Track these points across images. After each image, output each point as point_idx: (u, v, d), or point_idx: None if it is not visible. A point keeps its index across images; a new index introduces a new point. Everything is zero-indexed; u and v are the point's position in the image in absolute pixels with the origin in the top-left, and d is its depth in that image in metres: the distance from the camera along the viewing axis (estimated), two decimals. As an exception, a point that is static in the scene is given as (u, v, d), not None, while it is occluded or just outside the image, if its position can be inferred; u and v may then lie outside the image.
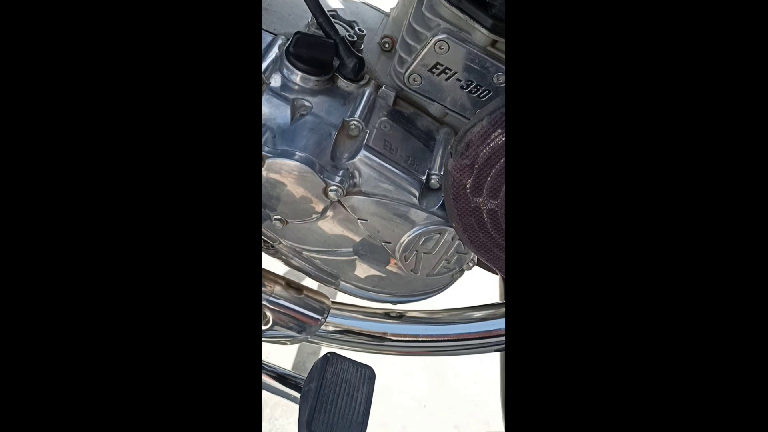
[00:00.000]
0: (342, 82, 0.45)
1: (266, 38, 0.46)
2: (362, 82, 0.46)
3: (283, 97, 0.42)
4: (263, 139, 0.42)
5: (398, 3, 0.51)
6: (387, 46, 0.49)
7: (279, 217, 0.46)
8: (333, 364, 0.43)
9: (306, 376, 0.44)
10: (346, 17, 0.49)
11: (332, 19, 0.46)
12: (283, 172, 0.41)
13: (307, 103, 0.43)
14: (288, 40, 0.44)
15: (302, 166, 0.40)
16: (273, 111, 0.42)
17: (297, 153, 0.41)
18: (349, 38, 0.46)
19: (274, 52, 0.44)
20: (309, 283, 0.54)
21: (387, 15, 0.53)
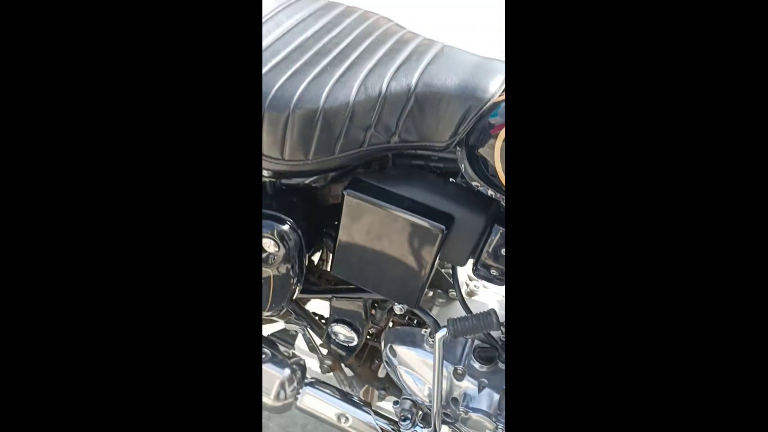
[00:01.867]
0: (501, 365, 0.82)
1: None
2: None
3: (472, 377, 0.81)
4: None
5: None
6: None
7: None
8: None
9: None
10: (501, 318, 0.87)
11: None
12: (473, 422, 0.80)
13: (485, 380, 0.82)
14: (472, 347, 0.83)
15: (484, 417, 0.79)
16: (469, 387, 0.83)
17: (484, 410, 0.81)
18: (502, 337, 0.83)
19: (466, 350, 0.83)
20: None
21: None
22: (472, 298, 0.91)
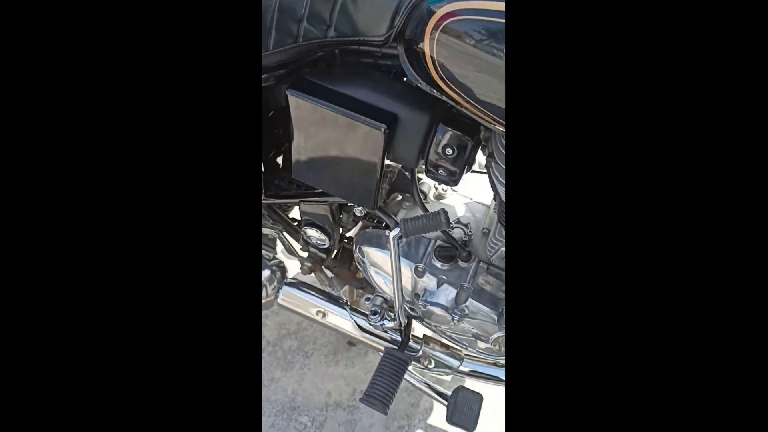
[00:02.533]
0: (461, 263, 0.84)
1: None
2: (471, 261, 0.84)
3: (432, 275, 0.84)
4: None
5: (491, 203, 0.86)
6: (486, 231, 0.86)
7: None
8: (463, 392, 0.88)
9: (450, 392, 0.90)
10: (464, 220, 0.87)
11: (458, 224, 0.85)
12: (434, 316, 0.85)
13: (444, 277, 0.84)
14: (434, 247, 0.85)
15: (442, 311, 0.83)
16: (429, 283, 0.86)
17: (441, 304, 0.84)
18: (464, 237, 0.85)
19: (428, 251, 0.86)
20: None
21: (488, 207, 0.89)
22: (441, 201, 0.92)
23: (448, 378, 1.18)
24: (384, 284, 0.90)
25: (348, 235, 1.03)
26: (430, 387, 0.97)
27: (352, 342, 1.34)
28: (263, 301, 0.99)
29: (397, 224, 0.80)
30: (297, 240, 1.01)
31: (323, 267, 1.05)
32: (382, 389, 0.83)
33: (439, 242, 0.84)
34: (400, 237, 0.75)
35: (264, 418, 1.23)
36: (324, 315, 0.99)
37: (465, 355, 0.96)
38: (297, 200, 0.88)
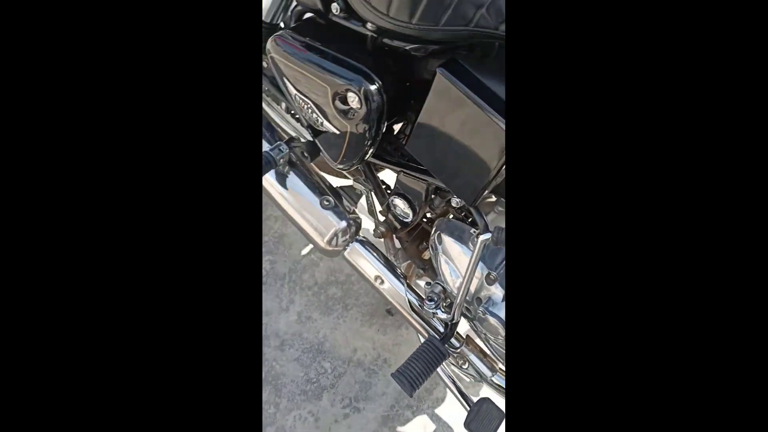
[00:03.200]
0: None
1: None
2: None
3: (501, 286, 0.84)
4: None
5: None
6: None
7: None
8: (489, 404, 0.89)
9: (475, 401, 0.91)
10: None
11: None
12: (487, 324, 0.85)
13: None
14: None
15: (498, 324, 0.83)
16: (496, 292, 0.85)
17: (501, 317, 0.84)
18: None
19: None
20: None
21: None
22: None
23: (474, 384, 1.19)
24: (449, 276, 0.91)
25: (429, 216, 1.04)
26: (455, 385, 0.99)
27: (391, 311, 1.37)
28: (330, 249, 1.03)
29: (487, 229, 0.79)
30: (381, 204, 1.02)
31: (395, 236, 1.07)
32: (415, 373, 0.85)
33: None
34: (488, 242, 0.75)
35: (292, 351, 1.30)
36: (382, 282, 1.01)
37: (499, 369, 0.97)
38: (399, 169, 0.89)
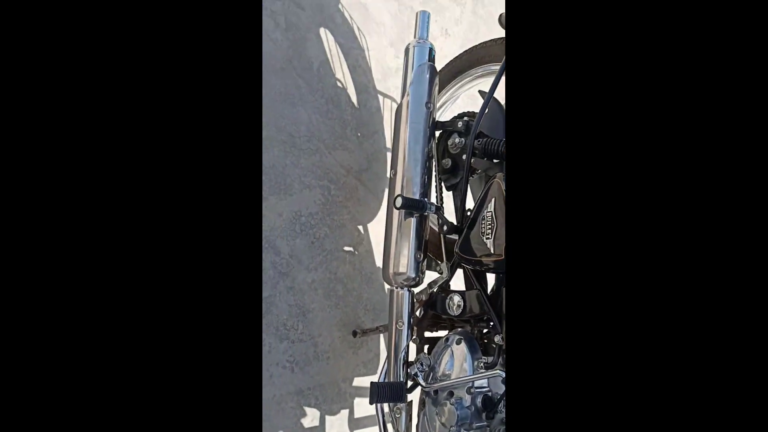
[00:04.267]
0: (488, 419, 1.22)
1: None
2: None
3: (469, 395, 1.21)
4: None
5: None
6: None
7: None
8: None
9: None
10: None
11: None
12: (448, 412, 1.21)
13: (476, 407, 1.21)
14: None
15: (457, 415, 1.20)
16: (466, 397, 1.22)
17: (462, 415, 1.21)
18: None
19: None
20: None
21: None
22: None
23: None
24: (443, 365, 1.27)
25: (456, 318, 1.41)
26: (383, 417, 1.32)
27: (356, 332, 1.69)
28: (390, 278, 1.37)
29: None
30: (444, 289, 1.38)
31: (425, 311, 1.43)
32: (383, 393, 1.19)
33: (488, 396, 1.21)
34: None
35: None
36: (402, 325, 1.36)
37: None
38: (478, 288, 1.26)
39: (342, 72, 1.78)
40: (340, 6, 1.80)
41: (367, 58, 1.87)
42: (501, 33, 2.42)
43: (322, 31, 1.73)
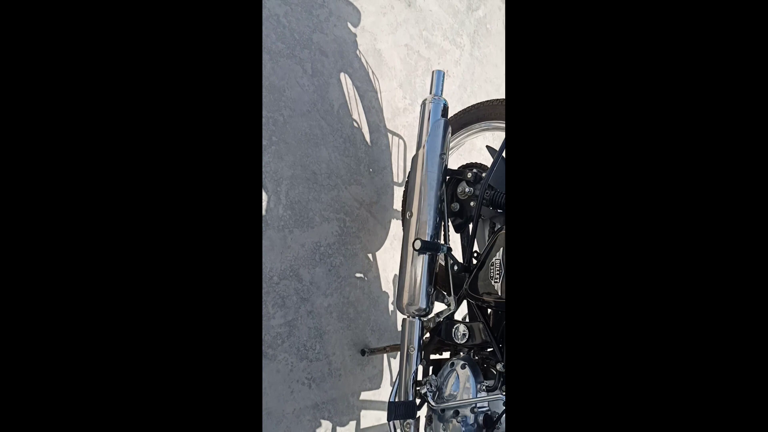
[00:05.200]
0: None
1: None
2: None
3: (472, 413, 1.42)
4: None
5: None
6: None
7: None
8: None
9: None
10: None
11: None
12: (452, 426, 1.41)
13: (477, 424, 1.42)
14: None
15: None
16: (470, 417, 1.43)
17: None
18: None
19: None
20: None
21: None
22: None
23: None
24: (449, 387, 1.47)
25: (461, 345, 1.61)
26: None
27: (365, 351, 1.87)
28: (403, 308, 1.56)
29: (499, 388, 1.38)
30: (449, 317, 1.58)
31: (431, 336, 1.62)
32: (399, 411, 1.38)
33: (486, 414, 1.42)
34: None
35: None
36: (413, 350, 1.54)
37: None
38: (483, 323, 1.47)
39: (358, 113, 1.96)
40: (357, 52, 1.97)
41: (380, 99, 2.06)
42: (496, 75, 2.64)
43: (342, 76, 1.91)
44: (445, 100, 1.67)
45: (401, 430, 1.51)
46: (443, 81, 1.70)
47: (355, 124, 1.94)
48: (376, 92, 2.05)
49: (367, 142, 1.98)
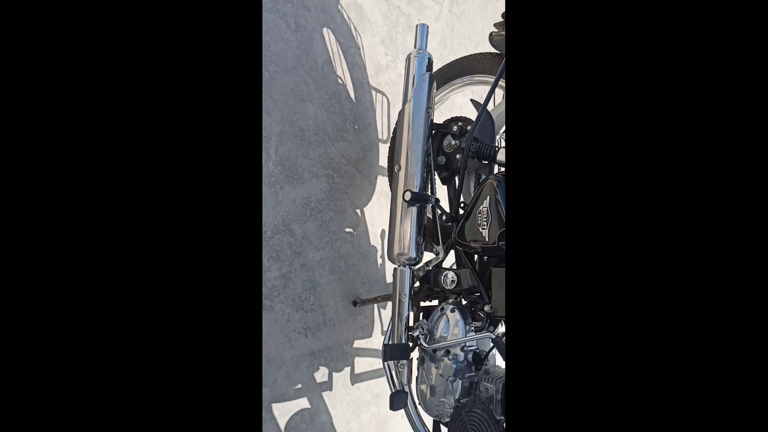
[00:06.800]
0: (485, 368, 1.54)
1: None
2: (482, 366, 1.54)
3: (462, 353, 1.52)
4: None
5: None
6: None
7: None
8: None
9: None
10: None
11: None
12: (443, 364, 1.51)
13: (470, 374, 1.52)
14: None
15: (452, 366, 1.50)
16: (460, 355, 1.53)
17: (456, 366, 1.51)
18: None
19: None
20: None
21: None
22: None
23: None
24: (440, 329, 1.56)
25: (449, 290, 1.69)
26: (390, 371, 1.60)
27: (356, 302, 1.94)
28: (395, 258, 1.62)
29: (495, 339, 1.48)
30: (437, 266, 1.66)
31: (421, 284, 1.70)
32: (395, 352, 1.46)
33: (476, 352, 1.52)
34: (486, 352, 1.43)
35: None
36: (404, 297, 1.62)
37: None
38: (470, 267, 1.55)
39: (342, 69, 1.96)
40: (339, 7, 1.96)
41: (362, 55, 2.06)
42: (474, 31, 2.65)
43: (325, 30, 1.90)
44: (429, 54, 1.69)
45: (395, 370, 1.61)
46: (427, 35, 1.72)
47: (340, 81, 1.95)
48: (359, 48, 2.05)
49: (351, 99, 1.99)
